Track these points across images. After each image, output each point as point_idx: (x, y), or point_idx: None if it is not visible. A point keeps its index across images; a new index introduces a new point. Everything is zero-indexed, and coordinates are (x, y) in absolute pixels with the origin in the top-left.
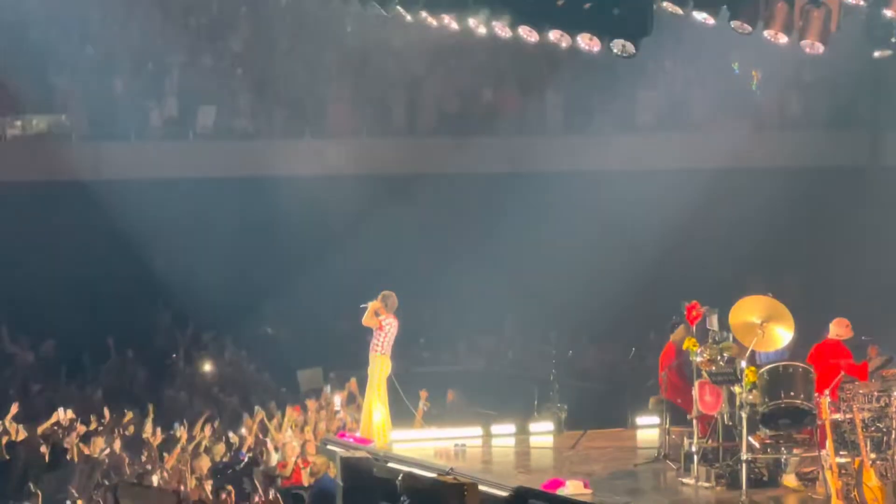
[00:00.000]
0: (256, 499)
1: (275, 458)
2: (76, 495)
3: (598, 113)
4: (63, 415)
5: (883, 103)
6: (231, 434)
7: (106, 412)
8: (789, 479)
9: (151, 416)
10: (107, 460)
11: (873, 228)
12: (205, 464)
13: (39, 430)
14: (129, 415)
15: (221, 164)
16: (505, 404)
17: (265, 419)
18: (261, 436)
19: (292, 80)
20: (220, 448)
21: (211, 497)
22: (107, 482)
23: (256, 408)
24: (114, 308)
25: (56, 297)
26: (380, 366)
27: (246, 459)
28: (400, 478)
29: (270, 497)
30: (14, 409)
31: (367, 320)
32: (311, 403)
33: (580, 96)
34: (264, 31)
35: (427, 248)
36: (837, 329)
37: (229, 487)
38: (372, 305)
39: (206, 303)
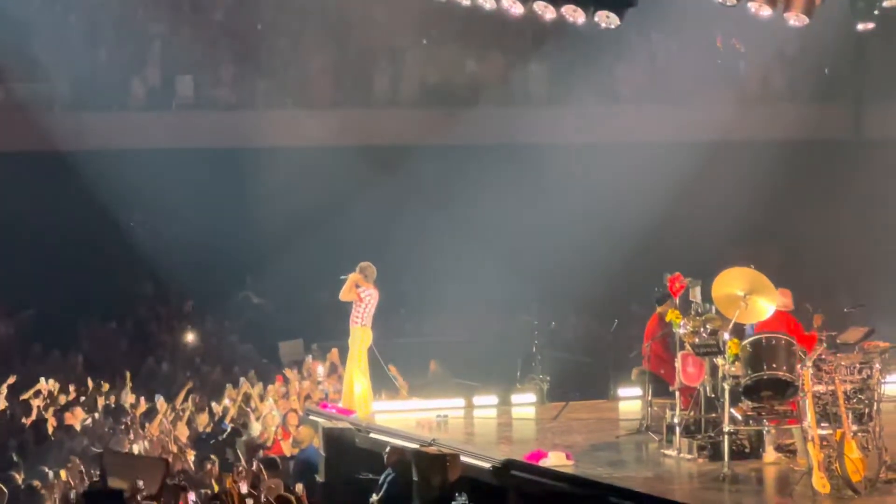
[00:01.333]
0: (239, 468)
1: (257, 429)
2: (58, 465)
3: (581, 85)
4: (45, 385)
5: (866, 76)
6: (214, 405)
7: (88, 382)
8: (769, 455)
9: (129, 384)
10: (89, 430)
11: (856, 201)
12: (183, 433)
13: (21, 399)
14: (109, 385)
15: (204, 134)
16: (487, 375)
17: (250, 389)
18: (244, 406)
19: (275, 50)
20: (204, 418)
21: (193, 467)
22: (87, 453)
23: (242, 379)
24: (96, 278)
25: (37, 267)
26: (360, 337)
27: (228, 430)
28: (387, 451)
29: (253, 467)
30: (10, 380)
31: (344, 294)
32: (291, 374)
33: (564, 68)
34: (247, 1)
35: (410, 218)
36: (782, 300)
37: (213, 457)
38: (351, 278)
39: (188, 274)
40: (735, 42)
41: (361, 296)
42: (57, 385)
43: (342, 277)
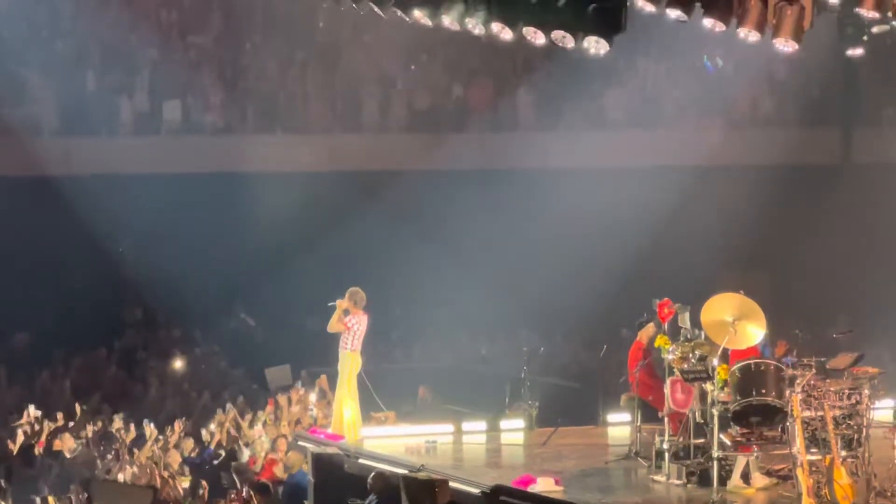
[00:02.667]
0: (233, 495)
1: (246, 454)
2: (47, 492)
3: (570, 110)
4: (33, 411)
5: (855, 101)
6: (203, 430)
7: (77, 408)
8: (756, 480)
9: (121, 413)
10: (77, 457)
11: (846, 226)
12: (175, 459)
13: (10, 426)
14: (99, 411)
15: (192, 159)
16: (476, 401)
17: (237, 416)
18: (233, 432)
19: (264, 75)
20: (189, 444)
21: (181, 493)
22: (78, 479)
23: (228, 405)
24: (84, 304)
25: (25, 292)
26: (350, 362)
27: (222, 455)
28: (371, 477)
29: (244, 493)
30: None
31: (332, 327)
32: (282, 399)
33: (552, 93)
34: (236, 26)
35: (399, 244)
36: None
37: (204, 483)
38: (339, 305)
39: (177, 299)
40: (717, 57)
41: (349, 325)
42: (45, 411)
43: (330, 304)
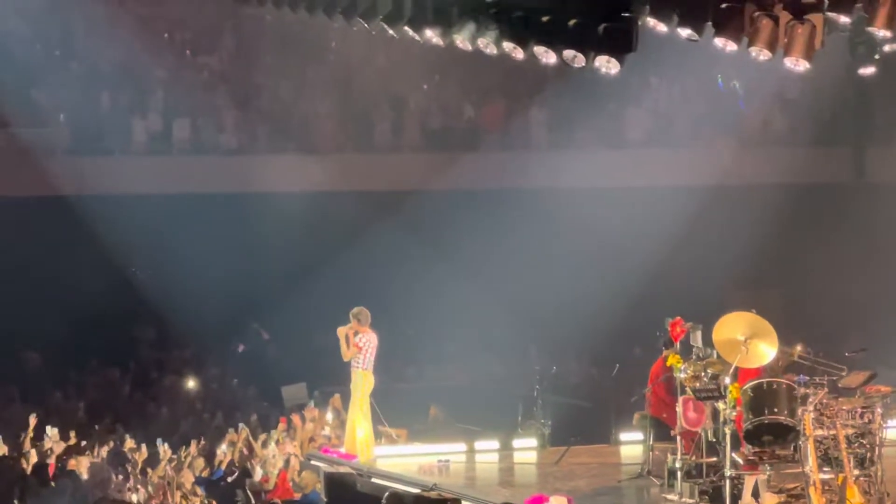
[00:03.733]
0: None
1: (259, 473)
2: None
3: (582, 129)
4: (48, 431)
5: (866, 120)
6: (218, 451)
7: (89, 427)
8: (765, 499)
9: (134, 433)
10: (91, 477)
11: (858, 244)
12: (188, 479)
13: (23, 446)
14: (112, 431)
15: (206, 179)
16: (488, 420)
17: (249, 436)
18: (245, 451)
19: (276, 95)
20: (200, 463)
21: None
22: (92, 499)
23: (241, 425)
24: (97, 323)
25: (38, 311)
26: (362, 381)
27: (233, 473)
28: (385, 498)
29: None
30: (33, 421)
31: (345, 355)
32: (296, 419)
33: (565, 112)
34: (248, 46)
35: (411, 263)
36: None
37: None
38: (340, 332)
39: (190, 318)
40: (734, 82)
41: (359, 344)
42: (59, 431)
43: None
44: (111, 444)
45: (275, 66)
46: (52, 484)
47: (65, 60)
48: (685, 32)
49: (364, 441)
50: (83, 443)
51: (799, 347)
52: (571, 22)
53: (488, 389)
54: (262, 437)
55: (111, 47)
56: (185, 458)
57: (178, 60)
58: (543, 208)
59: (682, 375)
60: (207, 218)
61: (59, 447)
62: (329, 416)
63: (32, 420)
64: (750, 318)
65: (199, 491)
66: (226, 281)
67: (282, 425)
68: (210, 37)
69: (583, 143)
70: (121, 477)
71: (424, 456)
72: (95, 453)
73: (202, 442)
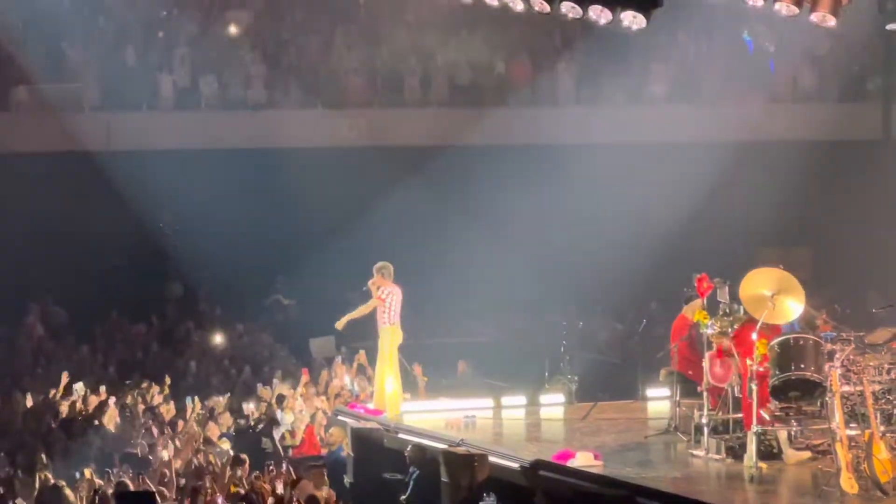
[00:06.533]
0: (271, 467)
1: (289, 419)
2: (87, 465)
3: (609, 85)
4: (75, 386)
5: (895, 76)
6: (245, 405)
7: (117, 383)
8: (789, 456)
9: (166, 389)
10: (118, 432)
11: (884, 201)
12: (214, 433)
13: (52, 400)
14: (142, 386)
15: (234, 134)
16: (516, 376)
17: (284, 388)
18: (274, 406)
19: (304, 51)
20: (227, 419)
21: (219, 464)
22: (116, 454)
23: (276, 381)
24: (125, 279)
25: (66, 267)
26: (390, 336)
27: (264, 421)
28: (408, 449)
29: (283, 468)
30: (64, 378)
31: (367, 307)
32: (324, 374)
33: (592, 68)
34: (276, 1)
35: (439, 219)
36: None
37: (243, 457)
38: (371, 284)
39: (217, 274)
40: (764, 41)
41: (382, 297)
42: (86, 386)
43: (365, 289)
44: (139, 399)
45: (303, 22)
46: (80, 438)
47: (93, 16)
48: None
49: (393, 396)
50: (111, 398)
51: (824, 315)
52: None
53: (516, 345)
54: (299, 389)
55: (139, 2)
56: (212, 413)
57: (206, 15)
58: (571, 164)
59: (709, 331)
60: (234, 173)
61: (88, 402)
62: (346, 377)
63: (64, 377)
64: (777, 274)
65: (226, 442)
66: (253, 236)
67: (304, 377)
68: None
69: (610, 99)
70: (148, 431)
71: (452, 412)
72: (123, 409)
73: (229, 398)
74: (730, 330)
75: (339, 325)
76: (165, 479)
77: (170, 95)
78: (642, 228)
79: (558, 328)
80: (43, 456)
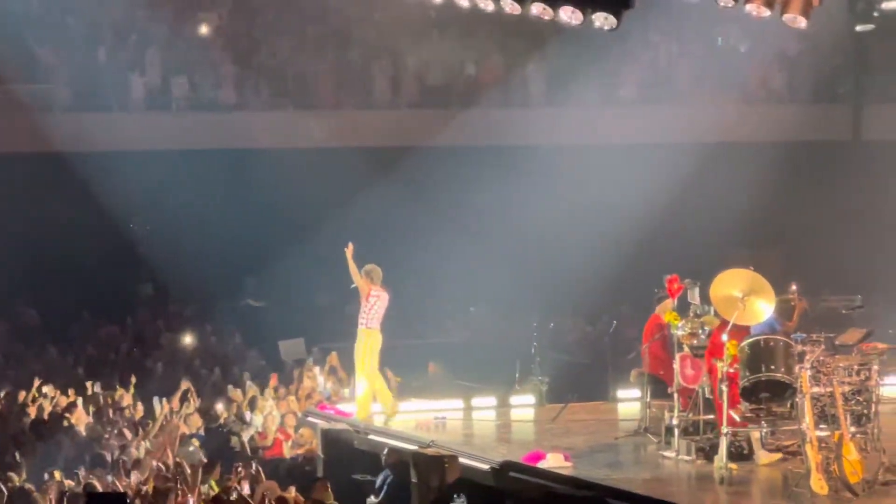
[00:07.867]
0: (239, 468)
1: (252, 430)
2: (57, 467)
3: (581, 86)
4: (45, 387)
5: (865, 78)
6: (216, 407)
7: (88, 384)
8: (760, 457)
9: (132, 389)
10: (88, 433)
11: (856, 202)
12: (184, 433)
13: (21, 400)
14: (111, 388)
15: (204, 135)
16: (486, 377)
17: (255, 391)
18: (242, 409)
19: (275, 52)
20: (196, 420)
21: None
22: (87, 455)
23: (248, 383)
24: (95, 280)
25: (37, 268)
26: (366, 339)
27: (232, 420)
28: (384, 452)
29: (252, 470)
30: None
31: (356, 276)
32: (296, 373)
33: (563, 69)
34: (247, 2)
35: (409, 220)
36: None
37: (213, 462)
38: (358, 282)
39: (188, 275)
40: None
41: (370, 295)
42: (56, 387)
43: (353, 286)
44: (109, 400)
45: (273, 23)
46: (49, 440)
47: (63, 16)
48: None
49: (363, 399)
50: (80, 399)
51: (794, 287)
52: None
53: (486, 346)
54: (268, 392)
55: (109, 3)
56: (183, 412)
57: (178, 16)
58: (542, 165)
59: (680, 333)
60: (205, 174)
61: (57, 403)
62: (319, 376)
63: (36, 381)
64: (747, 275)
65: (195, 442)
66: (224, 237)
67: (273, 382)
68: None
69: (581, 100)
70: (117, 431)
71: (422, 413)
72: (92, 410)
73: (196, 399)
74: (701, 332)
75: (349, 251)
76: (136, 481)
77: (141, 96)
78: (613, 229)
79: (529, 329)
80: (16, 455)
